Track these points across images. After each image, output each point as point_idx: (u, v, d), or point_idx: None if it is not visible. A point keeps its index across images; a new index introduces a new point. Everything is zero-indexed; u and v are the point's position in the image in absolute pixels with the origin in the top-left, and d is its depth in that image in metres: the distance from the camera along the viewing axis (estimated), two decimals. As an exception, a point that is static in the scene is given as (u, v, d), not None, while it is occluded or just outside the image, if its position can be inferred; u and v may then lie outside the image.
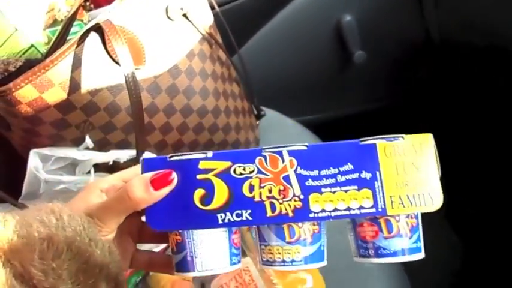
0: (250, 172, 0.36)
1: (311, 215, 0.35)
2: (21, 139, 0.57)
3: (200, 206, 0.36)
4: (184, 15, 0.61)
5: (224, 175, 0.36)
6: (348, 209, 0.35)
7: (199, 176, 0.36)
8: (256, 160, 0.36)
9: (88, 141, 0.57)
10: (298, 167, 0.36)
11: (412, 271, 0.66)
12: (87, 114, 0.54)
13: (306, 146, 0.37)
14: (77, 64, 0.51)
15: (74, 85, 0.52)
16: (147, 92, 0.58)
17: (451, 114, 1.03)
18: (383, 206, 0.35)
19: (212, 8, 0.70)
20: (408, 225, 0.36)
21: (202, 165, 0.37)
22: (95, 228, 0.35)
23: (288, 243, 0.36)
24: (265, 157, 0.36)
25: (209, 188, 0.36)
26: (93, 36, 0.52)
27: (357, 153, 0.36)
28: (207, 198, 0.36)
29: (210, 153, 0.37)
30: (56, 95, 0.51)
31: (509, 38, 0.69)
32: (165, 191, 0.36)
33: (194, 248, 0.37)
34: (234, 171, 0.36)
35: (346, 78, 0.90)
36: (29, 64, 0.50)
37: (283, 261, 0.37)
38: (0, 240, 0.30)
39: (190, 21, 0.62)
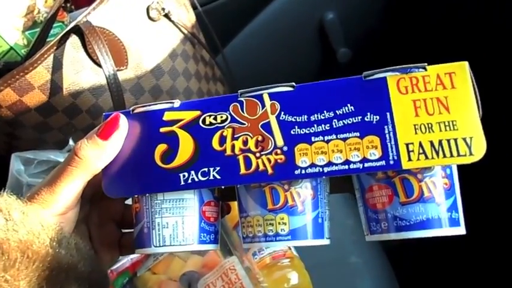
0: (222, 121, 0.29)
1: (297, 172, 0.28)
2: (2, 143, 0.56)
3: (160, 165, 0.29)
4: (166, 16, 0.61)
5: (191, 126, 0.30)
6: (347, 162, 0.27)
7: (162, 129, 0.30)
8: (231, 107, 0.29)
9: (72, 143, 0.56)
10: (282, 113, 0.28)
11: (398, 267, 0.67)
12: (69, 116, 0.54)
13: (293, 86, 0.29)
14: (57, 66, 0.51)
15: (55, 88, 0.51)
16: (130, 93, 0.58)
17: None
18: (396, 158, 0.26)
19: (194, 8, 0.70)
20: (436, 187, 0.26)
21: (167, 116, 0.30)
22: (55, 222, 0.29)
23: (271, 211, 0.29)
24: (241, 103, 0.29)
25: (173, 142, 0.30)
26: (74, 38, 0.52)
27: (359, 92, 0.27)
28: (170, 155, 0.29)
29: (177, 103, 0.30)
30: (36, 98, 0.50)
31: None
32: (116, 139, 0.30)
33: (151, 217, 0.30)
34: (203, 121, 0.29)
35: (331, 75, 0.90)
36: (8, 67, 0.50)
37: (265, 235, 0.29)
38: None
39: (172, 22, 0.62)
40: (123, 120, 0.31)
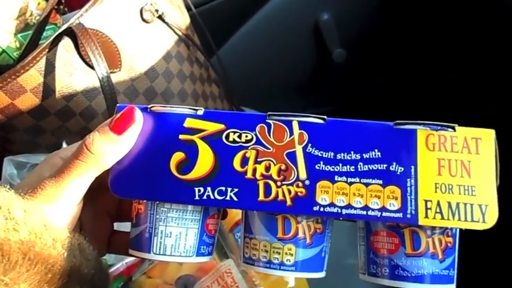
0: (247, 141, 0.29)
1: (315, 208, 0.27)
2: (-6, 147, 0.56)
3: (175, 174, 0.29)
4: (160, 17, 0.61)
5: (213, 140, 0.29)
6: (366, 208, 0.27)
7: (182, 137, 0.29)
8: (257, 127, 0.29)
9: (65, 146, 0.56)
10: (309, 145, 0.28)
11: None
12: (62, 119, 0.54)
13: (324, 119, 0.29)
14: (49, 69, 0.50)
15: (47, 91, 0.51)
16: (124, 95, 0.57)
17: (434, 111, 1.04)
18: (413, 212, 0.27)
19: (189, 9, 0.70)
20: (442, 244, 0.28)
21: (188, 123, 0.29)
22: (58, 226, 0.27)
23: (280, 240, 0.29)
24: (269, 125, 0.29)
25: (191, 152, 0.29)
26: (67, 40, 0.51)
27: (389, 139, 0.28)
28: (187, 165, 0.29)
29: (201, 110, 0.29)
30: (28, 101, 0.50)
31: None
32: (130, 133, 0.29)
33: (155, 223, 0.29)
34: (227, 137, 0.29)
35: (326, 76, 0.90)
36: (0, 70, 0.49)
37: (269, 262, 0.29)
38: None
39: (167, 23, 0.62)
40: (138, 114, 0.29)
